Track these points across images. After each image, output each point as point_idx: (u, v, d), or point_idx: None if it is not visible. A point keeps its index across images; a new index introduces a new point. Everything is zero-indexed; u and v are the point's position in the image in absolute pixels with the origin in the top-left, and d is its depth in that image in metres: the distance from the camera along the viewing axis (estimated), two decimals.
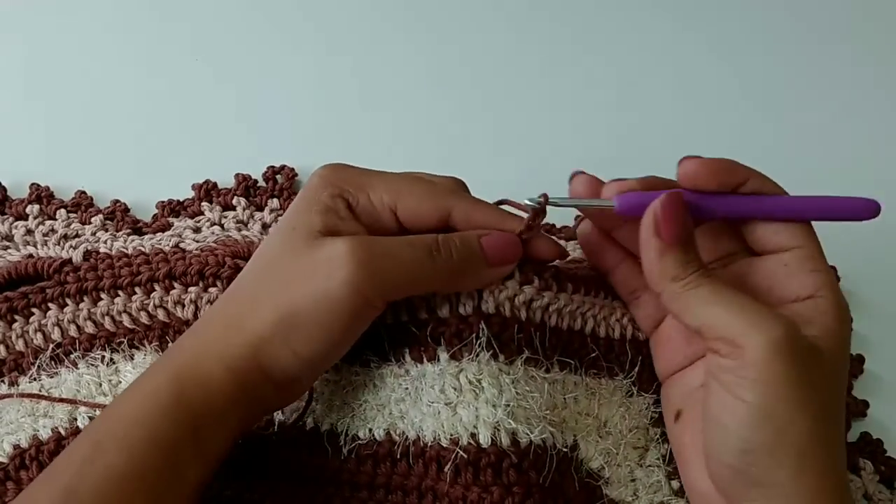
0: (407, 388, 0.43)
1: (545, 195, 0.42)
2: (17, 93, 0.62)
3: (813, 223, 0.42)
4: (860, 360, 0.55)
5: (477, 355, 0.42)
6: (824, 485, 0.37)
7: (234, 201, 0.58)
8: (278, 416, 0.47)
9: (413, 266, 0.40)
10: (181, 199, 0.59)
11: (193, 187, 0.59)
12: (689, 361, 0.44)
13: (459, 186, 0.45)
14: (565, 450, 0.43)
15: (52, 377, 0.50)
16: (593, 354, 0.46)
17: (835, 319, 0.39)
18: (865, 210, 0.42)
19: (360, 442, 0.43)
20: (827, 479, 0.37)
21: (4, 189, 0.58)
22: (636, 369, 0.46)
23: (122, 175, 0.60)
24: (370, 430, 0.43)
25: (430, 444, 0.41)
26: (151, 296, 0.50)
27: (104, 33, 0.65)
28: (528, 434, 0.41)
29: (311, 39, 0.66)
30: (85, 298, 0.51)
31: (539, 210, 0.42)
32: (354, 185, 0.42)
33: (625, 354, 0.46)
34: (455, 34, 0.66)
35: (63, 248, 0.54)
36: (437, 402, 0.42)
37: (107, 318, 0.50)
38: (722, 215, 0.42)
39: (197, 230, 0.56)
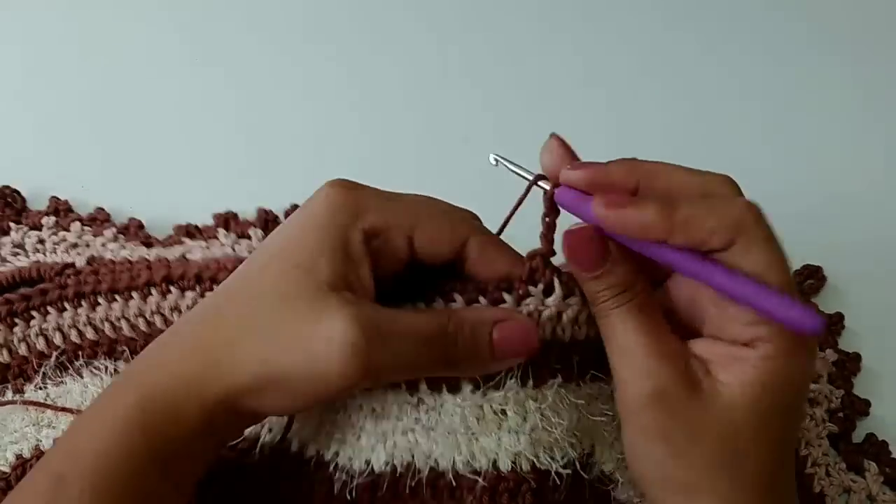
0: (417, 418, 0.40)
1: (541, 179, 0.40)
2: (52, 105, 0.63)
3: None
4: (857, 357, 0.56)
5: (503, 384, 0.39)
6: None
7: (251, 231, 0.57)
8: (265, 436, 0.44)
9: (413, 362, 0.37)
10: (199, 226, 0.58)
11: (214, 216, 0.58)
12: None
13: (476, 218, 0.42)
14: (587, 460, 0.42)
15: (57, 386, 0.49)
16: None
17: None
18: (808, 324, 0.33)
19: (354, 473, 0.40)
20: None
21: (24, 199, 0.58)
22: None
23: (146, 196, 0.60)
24: (367, 460, 0.40)
25: (445, 471, 0.40)
26: (147, 300, 0.49)
27: (152, 56, 0.66)
28: (549, 462, 0.39)
29: (348, 83, 0.66)
30: (83, 303, 0.50)
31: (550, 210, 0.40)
32: (371, 208, 0.38)
33: None
34: (451, 36, 0.67)
35: (70, 255, 0.54)
36: (456, 433, 0.39)
37: (106, 323, 0.50)
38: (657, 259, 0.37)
39: (207, 249, 0.55)
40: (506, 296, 0.39)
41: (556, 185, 0.39)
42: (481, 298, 0.39)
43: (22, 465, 0.45)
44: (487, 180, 0.58)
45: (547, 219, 0.40)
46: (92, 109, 0.63)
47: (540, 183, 0.40)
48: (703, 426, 0.36)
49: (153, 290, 0.49)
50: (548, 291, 0.39)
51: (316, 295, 0.36)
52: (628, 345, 0.37)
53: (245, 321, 0.37)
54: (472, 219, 0.41)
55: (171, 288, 0.49)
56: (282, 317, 0.36)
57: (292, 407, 0.39)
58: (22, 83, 0.64)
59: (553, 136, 0.40)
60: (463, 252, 0.40)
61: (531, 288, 0.39)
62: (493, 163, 0.42)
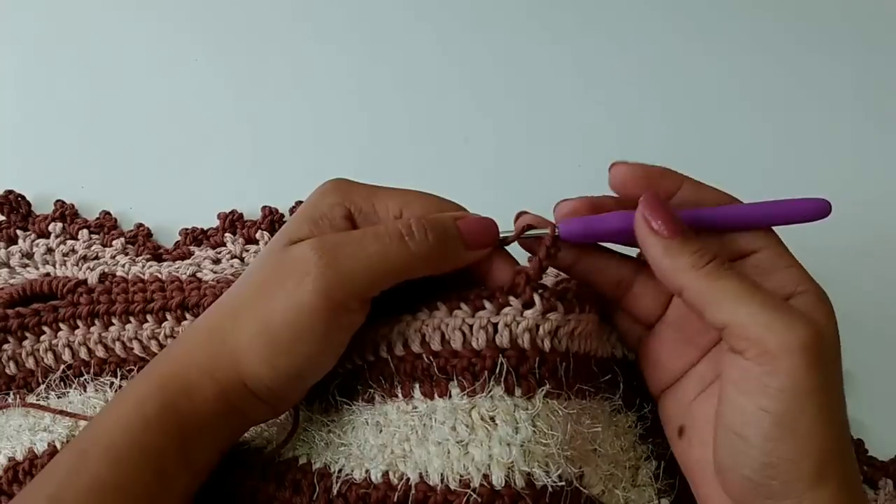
0: (413, 426, 0.40)
1: (552, 226, 0.41)
2: (53, 108, 0.62)
3: None
4: None
5: (490, 391, 0.39)
6: (842, 496, 0.35)
7: (258, 235, 0.57)
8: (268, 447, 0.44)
9: (384, 257, 0.38)
10: (205, 228, 0.58)
11: (219, 216, 0.58)
12: (682, 373, 0.42)
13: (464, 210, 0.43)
14: (576, 484, 0.40)
15: (60, 397, 0.49)
16: (606, 378, 0.43)
17: (823, 314, 0.37)
18: (816, 210, 0.40)
19: (353, 482, 0.40)
20: (844, 489, 0.35)
21: (29, 204, 0.57)
22: (622, 388, 0.44)
23: (149, 196, 0.59)
24: (367, 470, 0.40)
25: (436, 486, 0.38)
26: (163, 325, 0.50)
27: (150, 55, 0.65)
28: (545, 477, 0.38)
29: (349, 83, 0.66)
30: (96, 322, 0.50)
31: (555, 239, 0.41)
32: (360, 195, 0.41)
33: (613, 373, 0.44)
34: (452, 37, 0.67)
35: (81, 270, 0.54)
36: (447, 441, 0.39)
37: (117, 343, 0.50)
38: None
39: (217, 261, 0.55)
40: (486, 303, 0.40)
41: (555, 223, 0.41)
42: (462, 305, 0.40)
43: (13, 468, 0.45)
44: (488, 180, 0.60)
45: (552, 251, 0.41)
46: (92, 111, 0.62)
47: (558, 225, 0.41)
48: (836, 380, 0.36)
49: (168, 316, 0.49)
50: (528, 305, 0.40)
51: (289, 247, 0.39)
52: (775, 301, 0.36)
53: (240, 295, 0.40)
54: (460, 209, 0.42)
55: (187, 315, 0.49)
56: (263, 275, 0.39)
57: (295, 359, 0.38)
58: (21, 84, 0.63)
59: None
60: None
61: (511, 299, 0.40)
62: None
